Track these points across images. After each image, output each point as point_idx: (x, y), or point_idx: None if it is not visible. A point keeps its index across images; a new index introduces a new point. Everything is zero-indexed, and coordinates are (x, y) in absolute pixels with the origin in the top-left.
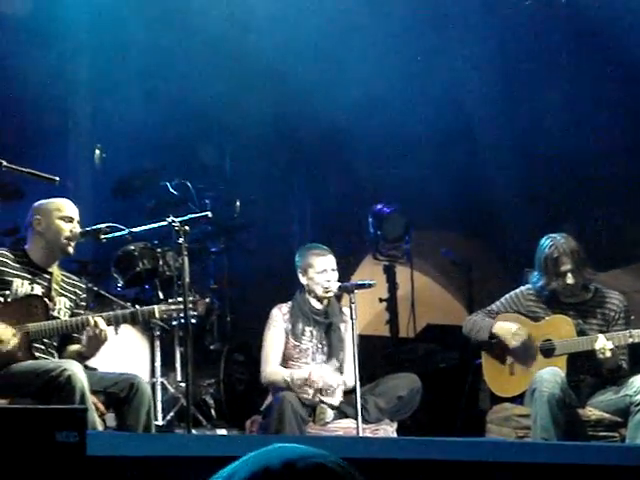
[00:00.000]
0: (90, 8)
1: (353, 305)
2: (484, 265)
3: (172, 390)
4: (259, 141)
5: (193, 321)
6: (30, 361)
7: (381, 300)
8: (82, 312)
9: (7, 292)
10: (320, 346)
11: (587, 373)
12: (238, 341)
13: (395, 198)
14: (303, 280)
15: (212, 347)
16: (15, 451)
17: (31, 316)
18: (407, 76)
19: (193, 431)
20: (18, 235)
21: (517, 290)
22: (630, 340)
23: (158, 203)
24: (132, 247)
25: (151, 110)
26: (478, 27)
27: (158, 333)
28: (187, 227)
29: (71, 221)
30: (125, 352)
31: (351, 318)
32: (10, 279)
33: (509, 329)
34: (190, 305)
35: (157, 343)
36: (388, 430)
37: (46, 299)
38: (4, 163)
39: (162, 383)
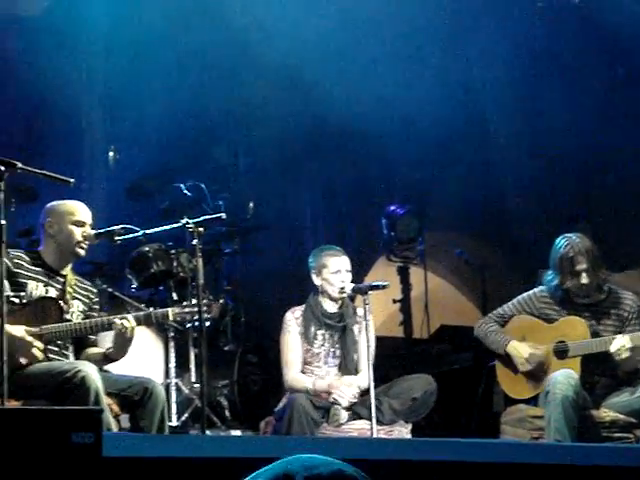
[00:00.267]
0: (107, 9)
1: (367, 306)
2: (498, 266)
3: (186, 391)
4: (272, 142)
5: (207, 324)
6: (44, 363)
7: (395, 301)
8: (95, 315)
9: (22, 294)
10: (333, 350)
11: (601, 374)
12: (252, 342)
13: (408, 199)
14: (317, 281)
15: (226, 348)
16: (31, 452)
17: (45, 318)
18: (420, 77)
19: (207, 432)
20: (33, 236)
21: (530, 292)
22: None
23: (172, 204)
24: (146, 248)
25: (165, 112)
26: (491, 28)
27: (172, 334)
28: (201, 228)
29: (83, 225)
30: (140, 353)
31: (365, 319)
32: (25, 281)
33: (522, 355)
34: (204, 308)
35: (171, 344)
36: (402, 431)
37: (60, 301)
38: (19, 165)
39: (176, 384)
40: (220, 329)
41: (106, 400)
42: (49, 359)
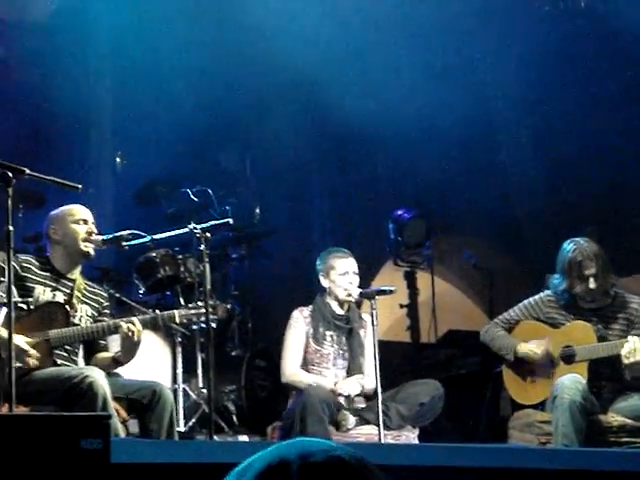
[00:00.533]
0: (114, 14)
1: (374, 311)
2: (505, 270)
3: (194, 396)
4: (279, 147)
5: (213, 325)
6: (52, 368)
7: (402, 306)
8: (105, 320)
9: (30, 299)
10: (341, 351)
11: (609, 379)
12: (259, 347)
13: (416, 203)
14: (325, 283)
15: (233, 353)
16: (40, 459)
17: (52, 323)
18: (429, 81)
19: (215, 437)
20: (40, 242)
21: (536, 296)
22: None
23: (179, 210)
24: (154, 254)
25: (172, 117)
26: (501, 31)
27: (180, 339)
28: (208, 234)
29: (85, 223)
30: (147, 358)
31: (372, 324)
32: (33, 285)
33: (534, 351)
34: (210, 309)
35: (179, 349)
36: (410, 437)
37: (67, 306)
38: (27, 171)
39: (184, 389)
40: (227, 334)
41: (114, 405)
42: (57, 364)
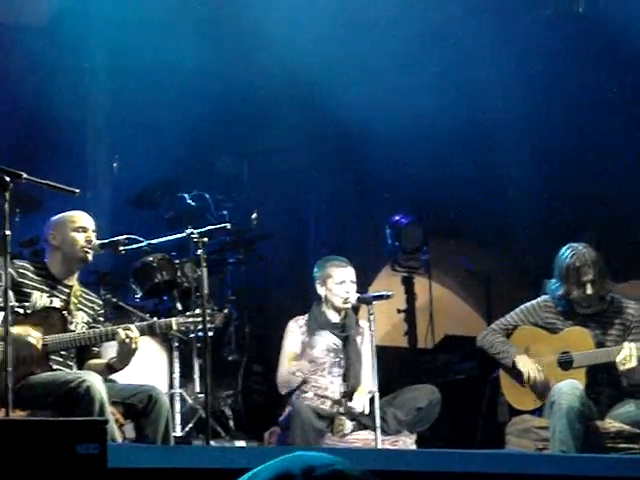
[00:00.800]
0: (111, 19)
1: (371, 316)
2: (502, 275)
3: (190, 401)
4: (276, 152)
5: (211, 334)
6: (48, 373)
7: (399, 311)
8: (98, 327)
9: (26, 304)
10: (337, 359)
11: (606, 385)
12: (256, 352)
13: (413, 208)
14: (321, 291)
15: (230, 358)
16: (36, 464)
17: (49, 328)
18: (424, 83)
19: (212, 443)
20: (36, 246)
21: (534, 301)
22: None
23: (176, 214)
24: (150, 258)
25: (169, 122)
26: (496, 33)
27: (177, 344)
28: (205, 238)
29: (85, 231)
30: (144, 363)
31: (370, 329)
32: (29, 291)
33: (528, 370)
34: (208, 317)
35: (175, 354)
36: (407, 442)
37: (64, 312)
38: (24, 175)
39: (180, 394)
40: (224, 339)
41: (110, 410)
42: (53, 369)
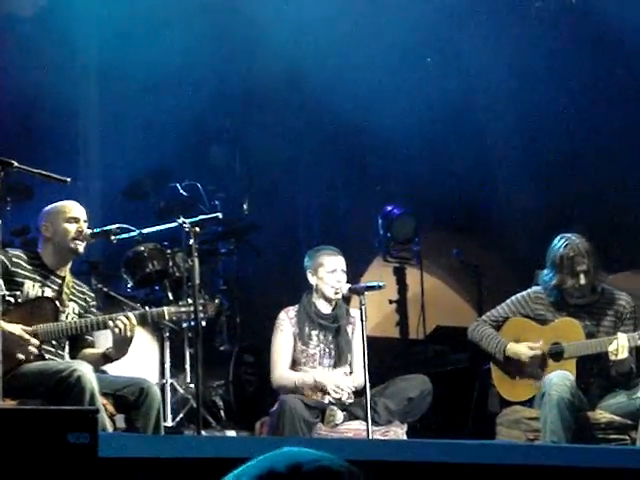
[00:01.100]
0: (103, 9)
1: (363, 307)
2: (494, 266)
3: (182, 391)
4: (268, 142)
5: (203, 323)
6: (40, 362)
7: (391, 302)
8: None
9: (18, 293)
10: (327, 350)
11: (597, 376)
12: (248, 342)
13: (405, 199)
14: (313, 280)
15: (222, 348)
16: (27, 452)
17: (40, 318)
18: (416, 77)
19: (203, 432)
20: (28, 236)
21: (524, 292)
22: (639, 342)
23: (168, 204)
24: (142, 248)
25: (161, 111)
26: (486, 28)
27: (168, 334)
28: (197, 228)
29: (77, 221)
30: (135, 353)
31: (361, 320)
32: (22, 280)
33: (524, 354)
34: (200, 307)
35: (167, 344)
36: (398, 432)
37: (56, 301)
38: (15, 164)
39: (172, 384)
40: (216, 329)
41: (101, 400)
42: (45, 359)
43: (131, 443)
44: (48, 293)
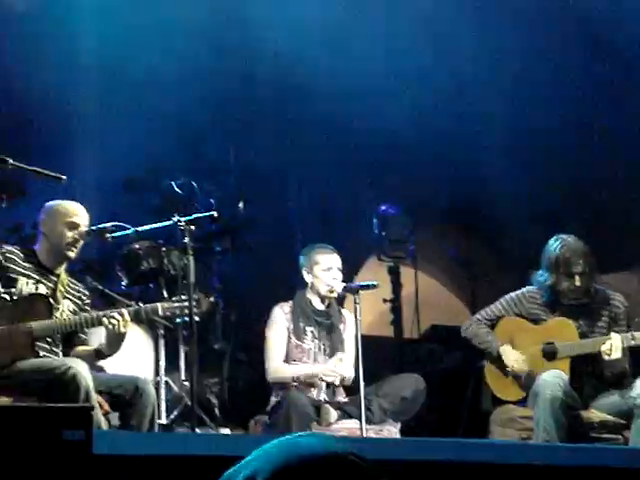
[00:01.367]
0: (100, 6)
1: (357, 306)
2: (488, 266)
3: (176, 389)
4: (263, 141)
5: (197, 319)
6: (34, 359)
7: (385, 301)
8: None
9: (12, 289)
10: (322, 346)
11: (590, 376)
12: (242, 341)
13: (399, 198)
14: (308, 278)
15: (216, 346)
16: (22, 449)
17: (35, 315)
18: (409, 75)
19: (197, 430)
20: (22, 233)
21: (518, 292)
22: (632, 342)
23: (163, 202)
24: (137, 246)
25: (156, 109)
26: (476, 26)
27: (162, 332)
28: (192, 226)
29: (76, 227)
30: (129, 351)
31: (356, 319)
32: (16, 277)
33: (511, 361)
34: (194, 303)
35: (161, 342)
36: (392, 431)
37: (50, 299)
38: (10, 161)
39: (166, 382)
40: (210, 327)
41: (96, 398)
42: (39, 356)
43: (126, 440)
44: (42, 290)
